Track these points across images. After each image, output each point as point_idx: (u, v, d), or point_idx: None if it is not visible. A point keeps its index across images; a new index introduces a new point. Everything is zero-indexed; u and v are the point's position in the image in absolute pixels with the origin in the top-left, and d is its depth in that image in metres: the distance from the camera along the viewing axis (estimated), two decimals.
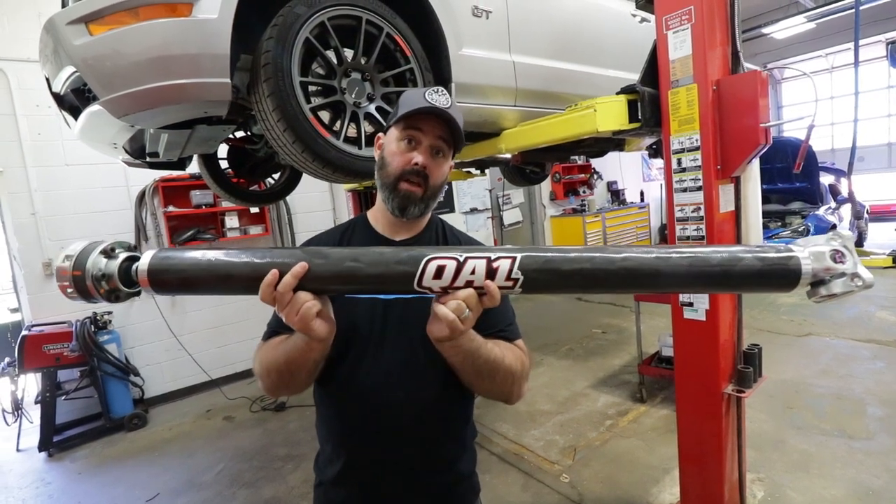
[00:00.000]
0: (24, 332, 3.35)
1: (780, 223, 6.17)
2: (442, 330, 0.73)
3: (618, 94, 1.87)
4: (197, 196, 4.10)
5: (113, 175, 3.81)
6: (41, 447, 3.30)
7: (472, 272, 0.71)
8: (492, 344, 0.84)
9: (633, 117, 1.85)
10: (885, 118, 10.86)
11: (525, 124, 2.23)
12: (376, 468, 0.92)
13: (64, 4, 1.57)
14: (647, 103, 1.82)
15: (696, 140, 1.69)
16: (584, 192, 7.93)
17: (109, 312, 3.75)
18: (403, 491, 0.92)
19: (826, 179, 6.75)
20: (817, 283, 0.72)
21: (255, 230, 4.46)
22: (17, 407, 3.42)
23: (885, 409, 2.84)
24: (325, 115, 1.66)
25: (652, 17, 1.83)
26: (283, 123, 1.49)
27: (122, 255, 0.76)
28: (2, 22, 3.45)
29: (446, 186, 1.07)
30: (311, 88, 1.61)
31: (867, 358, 3.57)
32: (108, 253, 0.75)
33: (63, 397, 3.43)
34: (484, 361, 0.82)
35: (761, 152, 1.66)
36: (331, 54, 1.61)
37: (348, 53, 1.66)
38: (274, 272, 0.70)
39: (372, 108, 1.68)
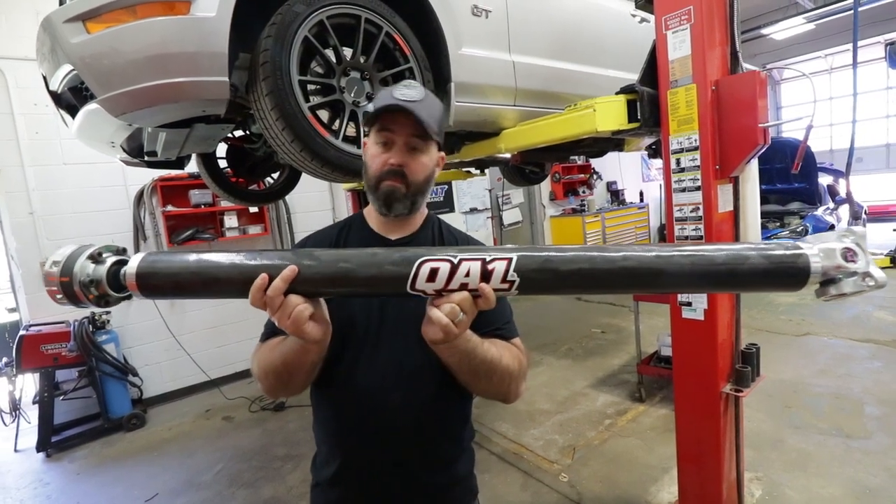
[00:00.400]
0: (21, 332, 3.34)
1: (778, 223, 6.18)
2: (436, 333, 0.72)
3: (617, 93, 1.87)
4: (196, 195, 4.09)
5: (111, 174, 3.80)
6: (39, 447, 3.29)
7: (467, 274, 0.69)
8: (488, 343, 0.83)
9: (632, 117, 1.85)
10: (884, 119, 10.89)
11: (524, 124, 2.23)
12: (373, 469, 0.91)
13: (61, 2, 1.56)
14: (647, 103, 1.82)
15: (695, 140, 1.69)
16: (583, 192, 7.94)
17: (108, 312, 3.74)
18: (400, 492, 0.92)
19: (824, 180, 6.76)
20: (827, 281, 0.69)
21: (254, 230, 4.45)
22: (15, 407, 3.41)
23: (882, 408, 2.85)
24: (324, 115, 1.66)
25: (651, 17, 1.83)
26: (281, 122, 1.48)
27: (110, 260, 0.75)
28: None
29: (436, 183, 1.06)
30: (310, 87, 1.61)
31: (865, 357, 3.58)
32: (96, 258, 0.74)
33: (61, 397, 3.42)
34: (480, 362, 0.81)
35: (760, 152, 1.66)
36: (330, 53, 1.61)
37: (347, 52, 1.65)
38: (263, 276, 0.69)
39: (370, 108, 1.68)
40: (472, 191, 6.47)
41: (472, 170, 3.72)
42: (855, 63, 1.92)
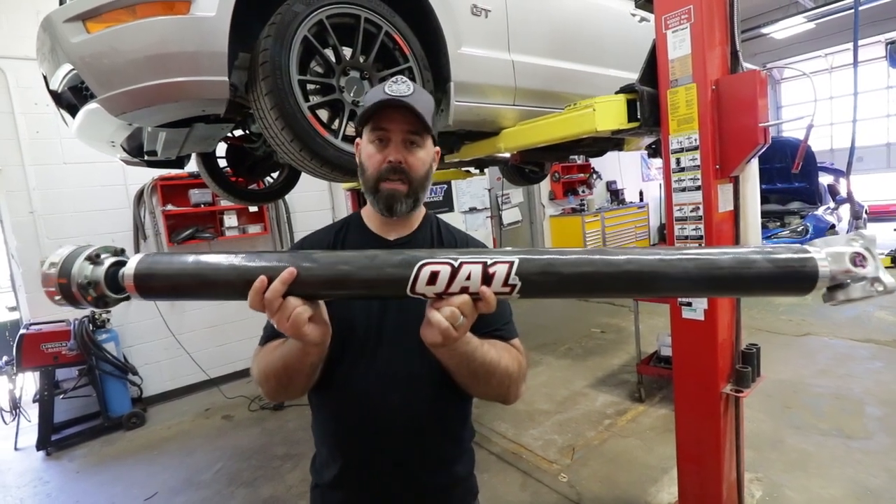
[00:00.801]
0: (22, 331, 3.34)
1: (778, 223, 6.18)
2: (435, 336, 0.71)
3: (617, 93, 1.86)
4: (196, 195, 4.09)
5: (111, 173, 3.80)
6: (39, 446, 3.30)
7: (468, 278, 0.68)
8: (487, 345, 0.82)
9: (631, 117, 1.85)
10: (884, 118, 10.88)
11: (524, 123, 2.23)
12: (373, 470, 0.91)
13: (61, 2, 1.56)
14: (646, 103, 1.82)
15: (695, 140, 1.69)
16: (583, 191, 7.93)
17: (108, 311, 3.75)
18: (401, 493, 0.91)
19: (825, 179, 6.75)
20: (835, 287, 0.67)
21: (253, 229, 4.46)
22: (15, 406, 3.42)
23: (883, 408, 2.84)
24: (323, 114, 1.66)
25: (651, 17, 1.83)
26: (280, 122, 1.48)
27: (109, 262, 0.74)
28: (0, 20, 3.44)
29: (435, 182, 1.05)
30: (310, 87, 1.61)
31: (866, 358, 3.58)
32: (94, 259, 0.73)
33: (61, 396, 3.42)
34: (479, 364, 0.80)
35: (760, 152, 1.66)
36: (329, 53, 1.61)
37: (347, 52, 1.65)
38: (262, 279, 0.68)
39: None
40: (472, 190, 6.47)
41: (472, 169, 3.72)
42: (855, 62, 1.92)
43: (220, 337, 4.37)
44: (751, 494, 2.18)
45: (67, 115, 1.69)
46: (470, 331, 0.78)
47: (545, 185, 7.44)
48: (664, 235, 7.73)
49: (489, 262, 0.69)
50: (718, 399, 1.78)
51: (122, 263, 0.74)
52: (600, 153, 3.32)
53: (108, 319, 3.74)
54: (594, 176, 8.16)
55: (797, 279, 0.66)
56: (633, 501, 2.29)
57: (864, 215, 7.53)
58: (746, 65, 1.74)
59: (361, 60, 1.67)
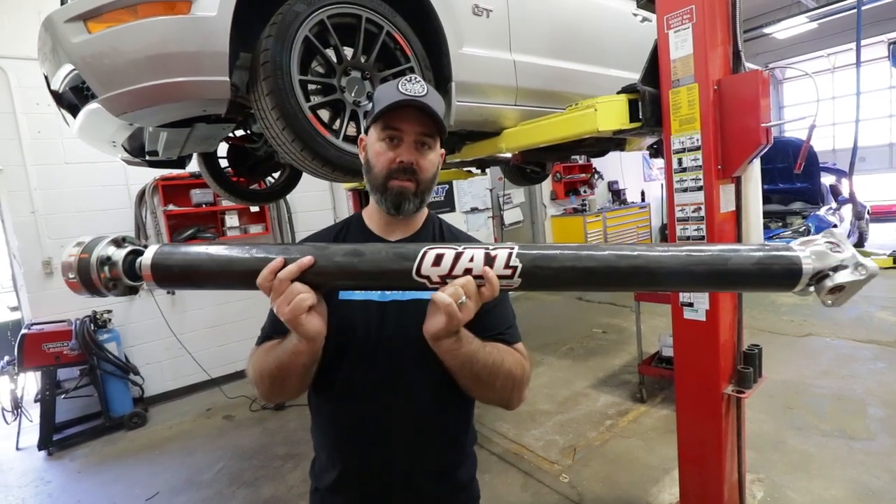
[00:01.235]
0: (23, 331, 3.35)
1: (780, 223, 6.16)
2: (439, 322, 0.72)
3: (618, 93, 1.86)
4: (197, 195, 4.10)
5: (113, 173, 3.80)
6: (41, 446, 3.30)
7: (471, 260, 0.72)
8: (491, 347, 0.82)
9: (633, 117, 1.85)
10: (887, 118, 10.84)
11: (525, 123, 2.22)
12: (374, 476, 0.90)
13: (62, 2, 1.56)
14: (648, 103, 1.81)
15: (697, 140, 1.68)
16: (584, 191, 7.92)
17: (109, 311, 3.75)
18: (402, 500, 0.91)
19: (827, 180, 6.74)
20: (822, 277, 0.70)
21: (255, 229, 4.46)
22: (17, 405, 3.42)
23: (885, 409, 2.84)
24: (324, 114, 1.65)
25: (653, 17, 1.83)
26: (281, 122, 1.48)
27: (129, 247, 0.78)
28: (2, 20, 3.45)
29: (439, 181, 1.05)
30: (311, 87, 1.60)
31: (868, 358, 3.57)
32: (119, 243, 0.79)
33: (63, 396, 3.43)
34: (482, 366, 0.79)
35: (762, 152, 1.65)
36: (330, 53, 1.61)
37: (348, 52, 1.65)
38: (280, 259, 0.71)
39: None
40: (473, 190, 6.47)
41: (473, 169, 3.72)
42: (858, 62, 1.91)
43: (222, 337, 4.37)
44: (752, 495, 2.18)
45: (69, 115, 1.69)
46: (474, 335, 0.78)
47: (547, 185, 7.43)
48: (666, 236, 7.72)
49: (491, 247, 0.73)
50: (720, 400, 1.77)
51: (140, 253, 0.78)
52: (602, 153, 3.32)
53: (110, 319, 3.75)
54: (596, 176, 8.15)
55: (781, 271, 0.71)
56: (634, 502, 2.28)
57: (867, 215, 7.51)
58: (748, 65, 1.74)
59: (363, 60, 1.66)
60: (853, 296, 0.71)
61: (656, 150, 3.21)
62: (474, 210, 6.51)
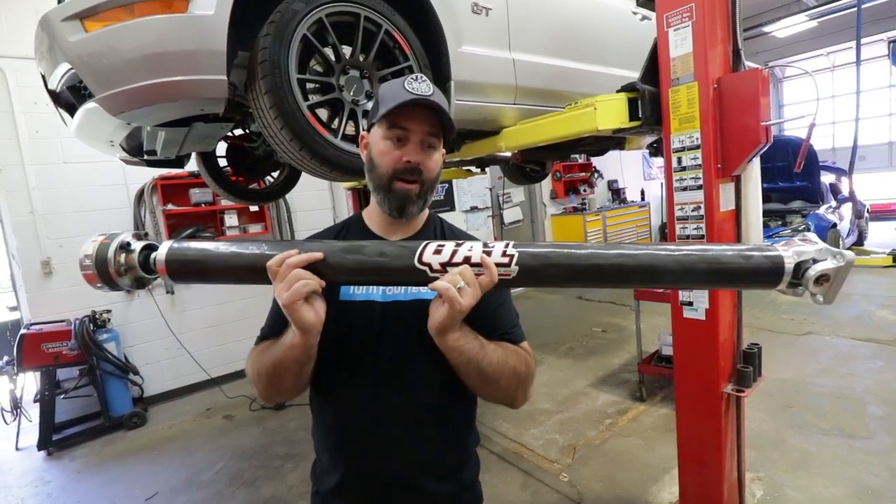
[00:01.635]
0: (22, 331, 3.34)
1: (780, 222, 6.16)
2: (441, 312, 0.73)
3: (618, 92, 1.85)
4: (196, 194, 4.09)
5: (112, 173, 3.80)
6: (40, 446, 3.30)
7: (470, 249, 0.76)
8: (496, 346, 0.83)
9: (633, 115, 1.84)
10: (887, 117, 10.84)
11: (525, 122, 2.22)
12: (377, 479, 0.89)
13: (59, 0, 1.55)
14: (648, 101, 1.81)
15: (697, 138, 1.68)
16: (584, 190, 7.92)
17: (108, 311, 3.75)
18: (406, 501, 0.90)
19: (827, 178, 6.73)
20: (805, 270, 0.73)
21: (254, 228, 4.45)
22: (16, 406, 3.41)
23: (885, 407, 2.84)
24: (323, 113, 1.65)
25: (653, 15, 1.82)
26: (280, 121, 1.48)
27: (147, 242, 0.84)
28: None
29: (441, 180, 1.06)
30: (309, 86, 1.60)
31: (867, 357, 3.57)
32: (140, 236, 0.84)
33: (62, 396, 3.43)
34: (488, 364, 0.80)
35: (762, 151, 1.65)
36: (329, 51, 1.60)
37: (346, 51, 1.64)
38: (296, 250, 0.75)
39: (370, 106, 1.67)
40: (473, 189, 6.46)
41: (473, 168, 3.71)
42: (858, 61, 1.91)
43: (221, 336, 4.37)
44: (752, 494, 2.18)
45: (66, 115, 1.68)
46: (480, 335, 0.80)
47: (546, 184, 7.43)
48: (666, 234, 7.72)
49: (489, 242, 0.78)
50: (720, 398, 1.77)
51: (154, 248, 0.82)
52: (602, 152, 3.31)
53: (109, 319, 3.75)
54: (595, 175, 8.14)
55: (764, 266, 0.74)
56: (634, 501, 2.28)
57: (866, 214, 7.51)
58: (748, 63, 1.73)
59: (361, 59, 1.66)
60: (841, 287, 0.74)
61: (656, 149, 3.20)
62: (474, 209, 6.51)
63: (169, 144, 1.85)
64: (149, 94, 1.35)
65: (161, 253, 0.80)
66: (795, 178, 6.29)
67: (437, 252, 0.75)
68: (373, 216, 0.98)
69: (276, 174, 2.86)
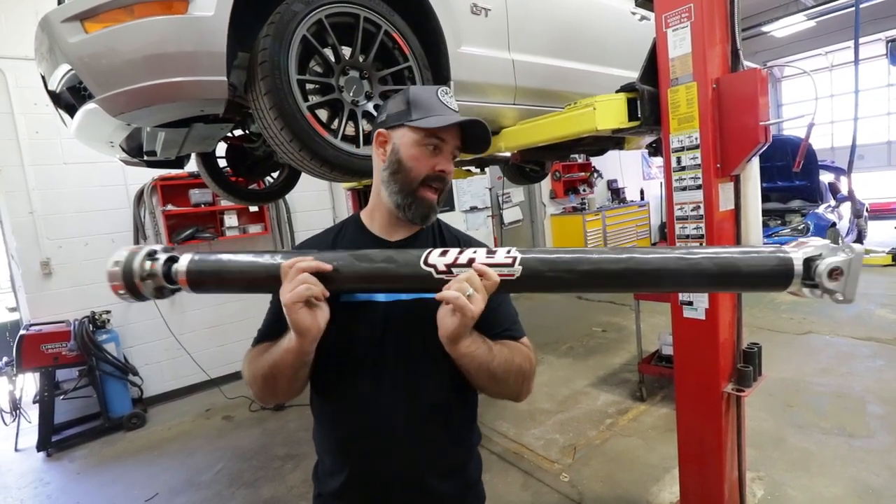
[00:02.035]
0: (22, 332, 3.34)
1: (779, 221, 6.17)
2: (454, 321, 0.74)
3: (617, 92, 1.86)
4: (196, 195, 4.09)
5: (111, 173, 3.80)
6: (39, 447, 3.30)
7: (474, 252, 0.79)
8: (501, 346, 0.85)
9: (632, 115, 1.84)
10: (885, 116, 10.83)
11: (524, 122, 2.22)
12: (382, 479, 0.89)
13: (59, 2, 1.55)
14: (647, 101, 1.81)
15: (696, 138, 1.68)
16: (584, 190, 7.92)
17: (108, 312, 3.75)
18: (410, 501, 0.91)
19: (826, 178, 6.74)
20: (814, 265, 0.72)
21: (254, 229, 4.45)
22: (16, 406, 3.42)
23: (885, 406, 2.84)
24: (323, 114, 1.65)
25: (651, 15, 1.82)
26: (279, 122, 1.48)
27: (171, 254, 0.88)
28: None
29: None
30: (309, 86, 1.60)
31: (867, 356, 3.57)
32: (168, 249, 0.88)
33: (61, 397, 3.42)
34: (497, 365, 0.82)
35: (761, 151, 1.65)
36: (328, 52, 1.60)
37: (346, 51, 1.64)
38: (311, 257, 0.78)
39: (370, 107, 1.67)
40: (473, 189, 6.47)
41: (473, 168, 3.71)
42: (857, 60, 1.91)
43: (221, 337, 4.37)
44: (752, 493, 2.18)
45: (66, 116, 1.68)
46: (481, 333, 0.81)
47: (546, 184, 7.43)
48: (665, 234, 7.73)
49: (492, 247, 0.82)
50: (720, 398, 1.77)
51: (175, 259, 0.86)
52: (601, 152, 3.31)
53: (109, 320, 3.74)
54: (595, 175, 8.15)
55: (774, 268, 0.74)
56: (634, 501, 2.28)
57: (865, 213, 7.52)
58: (747, 63, 1.73)
59: (361, 60, 1.66)
60: (857, 281, 0.71)
61: (655, 149, 3.21)
62: (474, 209, 6.51)
63: (169, 145, 1.86)
64: (149, 95, 1.35)
65: (182, 264, 0.84)
66: (794, 177, 6.29)
67: (443, 255, 0.78)
68: (373, 216, 0.97)
69: (275, 175, 2.86)
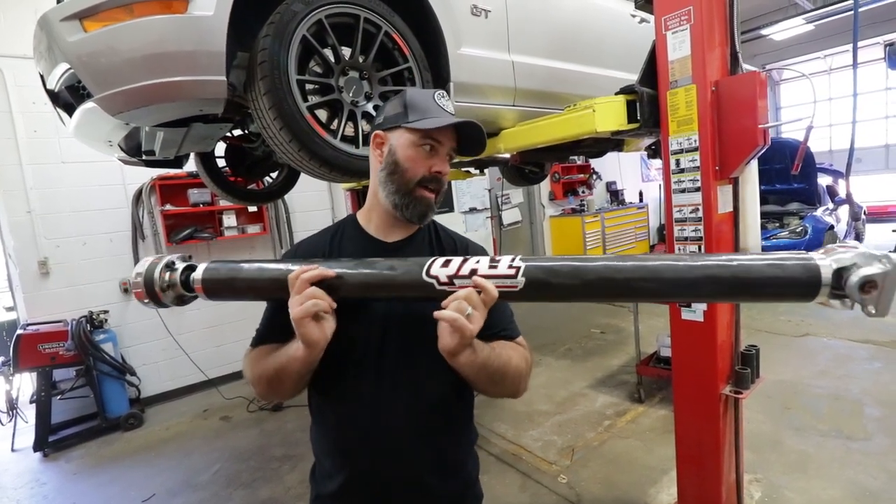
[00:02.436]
0: (19, 331, 3.33)
1: (777, 224, 6.17)
2: (454, 339, 0.74)
3: (617, 94, 1.86)
4: (194, 194, 4.08)
5: (110, 173, 3.79)
6: (36, 447, 3.28)
7: (477, 262, 0.78)
8: (499, 348, 0.85)
9: (631, 118, 1.84)
10: (883, 120, 10.87)
11: (524, 124, 2.22)
12: (383, 480, 0.89)
13: (58, 0, 1.55)
14: (646, 104, 1.81)
15: (695, 141, 1.68)
16: (583, 192, 7.93)
17: (105, 311, 3.74)
18: (410, 500, 0.91)
19: (824, 180, 6.76)
20: (846, 276, 0.65)
21: (252, 229, 4.45)
22: (12, 406, 3.40)
23: (882, 409, 2.84)
24: (322, 114, 1.65)
25: (651, 18, 1.83)
26: (279, 122, 1.48)
27: (189, 263, 0.94)
28: None
29: None
30: (309, 87, 1.60)
31: (865, 358, 3.58)
32: (186, 259, 0.94)
33: (58, 397, 3.42)
34: (496, 367, 0.83)
35: (760, 153, 1.66)
36: (328, 52, 1.60)
37: (346, 52, 1.64)
38: (316, 266, 0.80)
39: (370, 107, 1.67)
40: (472, 190, 6.46)
41: (472, 170, 3.71)
42: (855, 63, 1.91)
43: (219, 337, 4.36)
44: (750, 496, 2.18)
45: (65, 115, 1.68)
46: (477, 336, 0.80)
47: (545, 186, 7.44)
48: (664, 236, 7.74)
49: (495, 255, 0.80)
50: (718, 400, 1.77)
51: (193, 268, 0.91)
52: (600, 154, 3.31)
53: (106, 320, 3.73)
54: (594, 176, 8.16)
55: (799, 276, 0.67)
56: (632, 502, 2.28)
57: (863, 216, 7.54)
58: (746, 66, 1.74)
59: (360, 60, 1.66)
60: (892, 295, 0.64)
61: (654, 151, 3.21)
62: (473, 210, 6.51)
63: (167, 145, 1.85)
64: (148, 94, 1.35)
65: (198, 273, 0.89)
66: (793, 180, 6.30)
67: (445, 265, 0.78)
68: (370, 217, 0.97)
69: (274, 175, 2.86)
